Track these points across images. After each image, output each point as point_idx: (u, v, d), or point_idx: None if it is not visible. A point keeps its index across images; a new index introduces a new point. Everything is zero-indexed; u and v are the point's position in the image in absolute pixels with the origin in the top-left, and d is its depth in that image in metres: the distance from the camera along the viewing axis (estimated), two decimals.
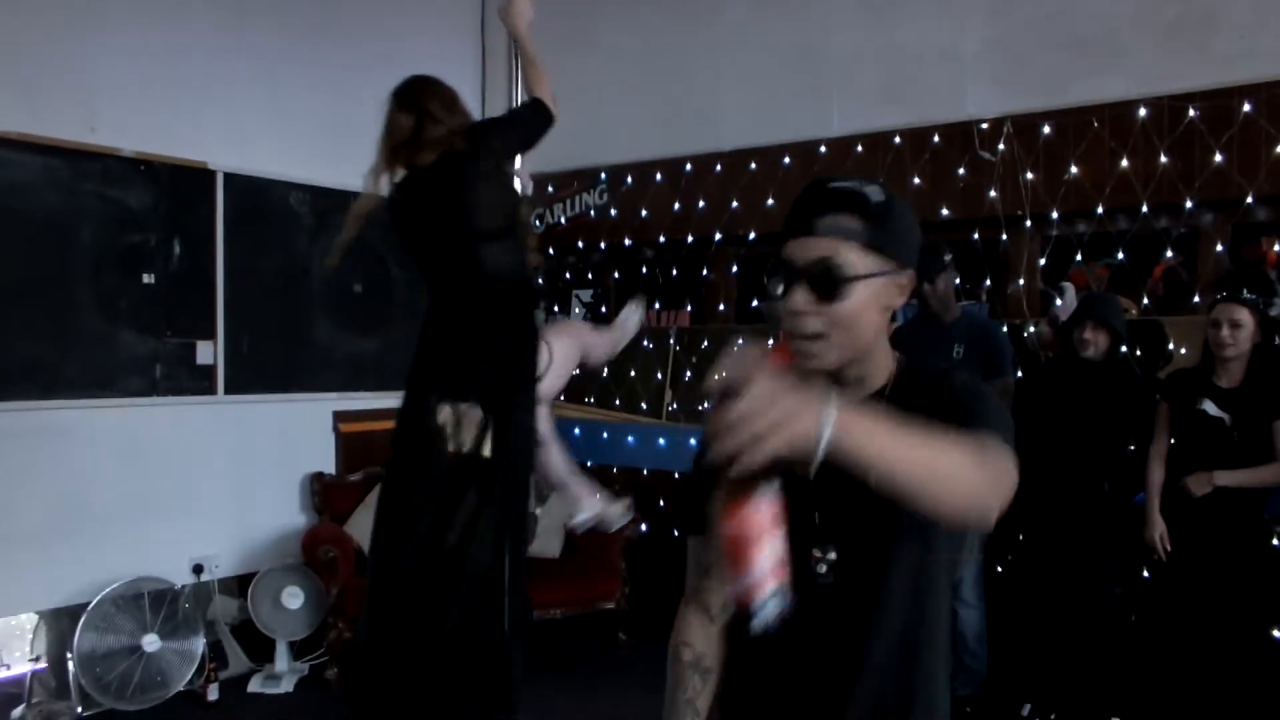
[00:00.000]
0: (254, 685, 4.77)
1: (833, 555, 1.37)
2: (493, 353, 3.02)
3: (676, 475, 5.53)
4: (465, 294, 3.08)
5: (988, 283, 4.77)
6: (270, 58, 5.13)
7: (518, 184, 5.84)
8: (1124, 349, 4.33)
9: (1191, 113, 4.15)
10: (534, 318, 3.17)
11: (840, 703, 1.40)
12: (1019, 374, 4.39)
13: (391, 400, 5.66)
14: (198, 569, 4.90)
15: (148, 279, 4.69)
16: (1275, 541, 3.86)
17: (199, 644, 4.59)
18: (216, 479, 4.99)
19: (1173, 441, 3.89)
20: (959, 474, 1.16)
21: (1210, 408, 3.74)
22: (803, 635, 1.38)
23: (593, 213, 5.79)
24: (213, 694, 4.54)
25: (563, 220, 5.89)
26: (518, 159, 3.34)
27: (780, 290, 1.33)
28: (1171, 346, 4.32)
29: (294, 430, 5.31)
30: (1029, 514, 4.03)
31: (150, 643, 4.42)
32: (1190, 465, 3.74)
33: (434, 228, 3.06)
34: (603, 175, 5.78)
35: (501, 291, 3.06)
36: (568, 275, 6.09)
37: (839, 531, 1.38)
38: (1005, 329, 4.43)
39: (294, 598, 4.91)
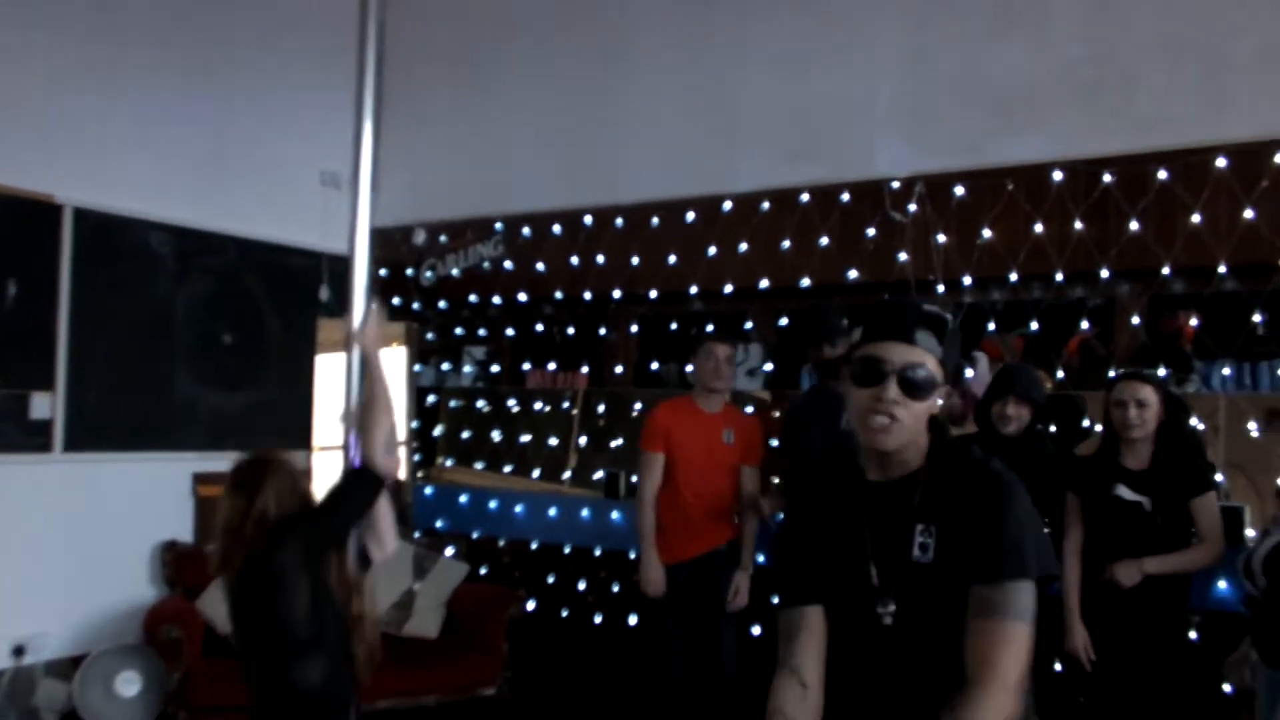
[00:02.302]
0: None
1: (893, 608, 1.64)
2: None
3: (567, 549, 5.13)
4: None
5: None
6: (135, 86, 4.74)
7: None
8: (1039, 425, 4.11)
9: (1107, 178, 4.00)
10: None
11: None
12: None
13: None
14: (19, 650, 4.36)
15: None
16: (1192, 634, 3.61)
17: None
18: (50, 547, 4.48)
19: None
20: None
21: (1126, 492, 3.49)
22: (874, 679, 1.68)
23: (487, 265, 5.46)
24: None
25: (455, 272, 5.55)
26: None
27: (868, 381, 1.64)
28: (1086, 423, 4.10)
29: (146, 493, 4.83)
30: None
31: None
32: (1112, 555, 3.47)
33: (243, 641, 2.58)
34: (498, 225, 5.46)
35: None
36: (459, 330, 5.72)
37: (896, 589, 1.65)
38: None
39: (130, 684, 4.38)
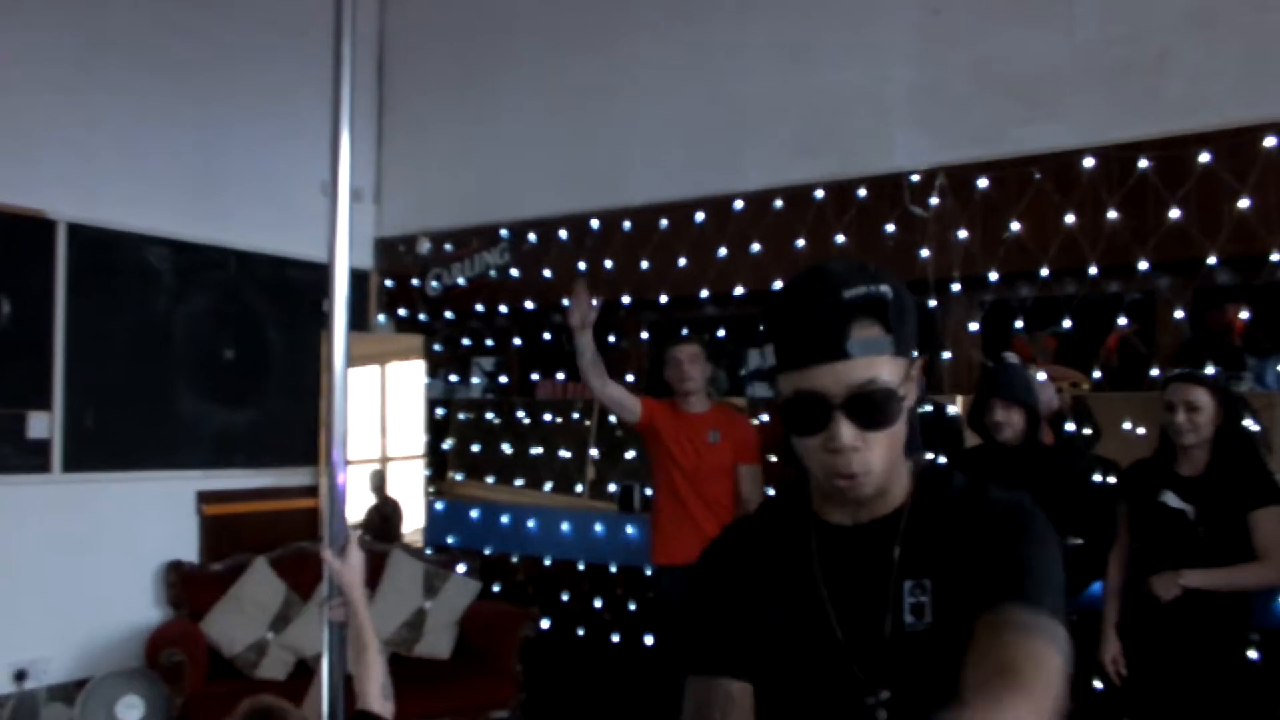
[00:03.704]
0: None
1: (886, 696, 1.23)
2: None
3: (581, 566, 4.94)
4: None
5: (914, 355, 4.25)
6: (128, 98, 4.63)
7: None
8: (1070, 427, 3.83)
9: (1143, 164, 3.69)
10: None
11: None
12: (942, 460, 3.88)
13: (265, 479, 5.16)
14: (20, 675, 4.27)
15: None
16: (1253, 654, 3.30)
17: None
18: (51, 569, 4.39)
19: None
20: None
21: (1171, 499, 3.22)
22: None
23: (493, 273, 5.28)
24: None
25: (461, 281, 5.37)
26: None
27: (807, 426, 1.19)
28: (1128, 426, 3.81)
29: (149, 513, 4.72)
30: None
31: None
32: (1153, 566, 3.22)
33: None
34: (504, 232, 5.28)
35: None
36: (467, 341, 5.55)
37: (885, 672, 1.23)
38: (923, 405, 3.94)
39: (131, 709, 4.27)
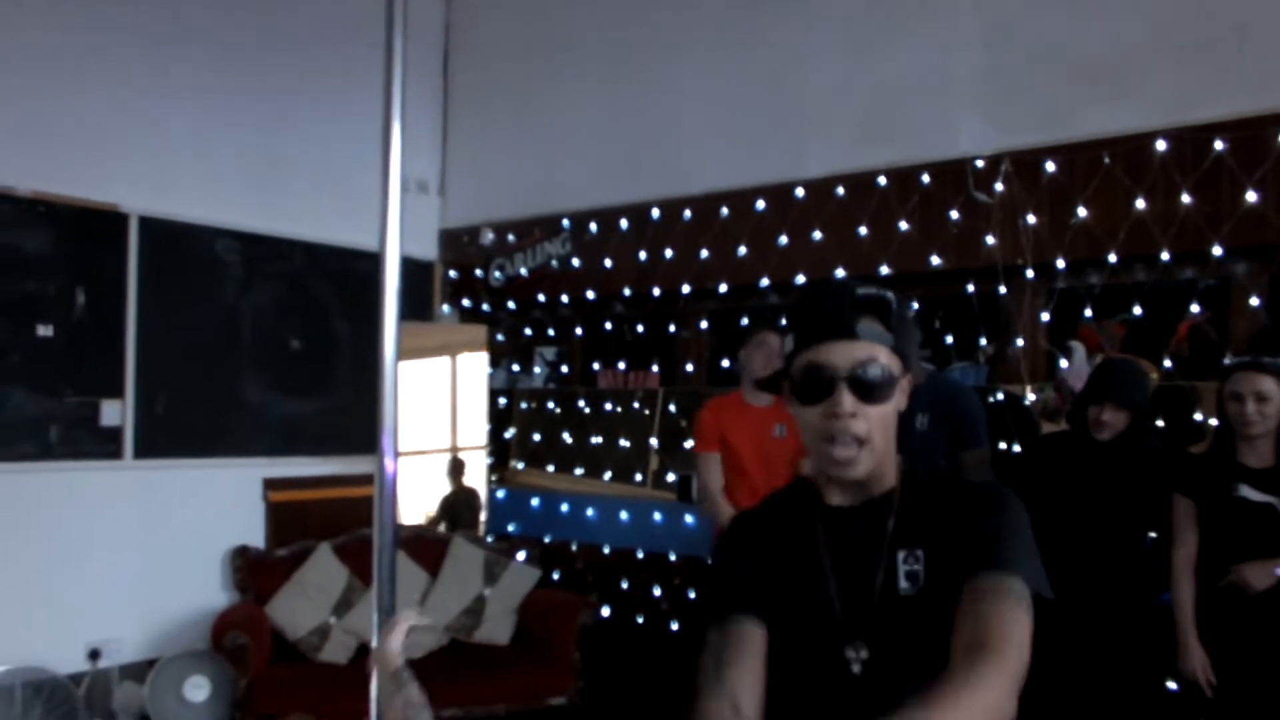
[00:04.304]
0: None
1: (865, 654, 1.38)
2: None
3: (640, 554, 4.94)
4: None
5: (984, 342, 4.17)
6: (194, 93, 4.73)
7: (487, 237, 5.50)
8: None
9: (1218, 145, 3.59)
10: None
11: None
12: (1016, 448, 3.80)
13: (330, 466, 5.25)
14: (94, 654, 4.39)
15: (44, 331, 4.26)
16: None
17: None
18: (122, 552, 4.51)
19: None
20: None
21: (1251, 493, 3.10)
22: None
23: (555, 263, 5.30)
24: None
25: (523, 271, 5.40)
26: None
27: (813, 394, 1.39)
28: (1199, 417, 3.70)
29: (216, 499, 4.82)
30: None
31: None
32: (1237, 562, 3.10)
33: None
34: (565, 223, 5.30)
35: None
36: (529, 331, 5.58)
37: (867, 629, 1.39)
38: (977, 393, 3.88)
39: (198, 689, 4.38)
